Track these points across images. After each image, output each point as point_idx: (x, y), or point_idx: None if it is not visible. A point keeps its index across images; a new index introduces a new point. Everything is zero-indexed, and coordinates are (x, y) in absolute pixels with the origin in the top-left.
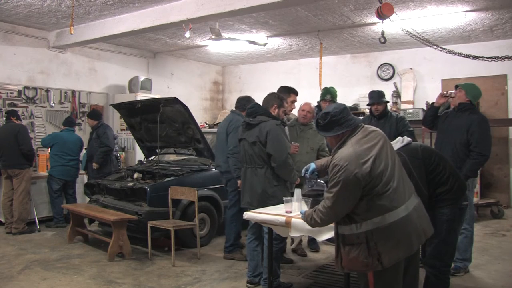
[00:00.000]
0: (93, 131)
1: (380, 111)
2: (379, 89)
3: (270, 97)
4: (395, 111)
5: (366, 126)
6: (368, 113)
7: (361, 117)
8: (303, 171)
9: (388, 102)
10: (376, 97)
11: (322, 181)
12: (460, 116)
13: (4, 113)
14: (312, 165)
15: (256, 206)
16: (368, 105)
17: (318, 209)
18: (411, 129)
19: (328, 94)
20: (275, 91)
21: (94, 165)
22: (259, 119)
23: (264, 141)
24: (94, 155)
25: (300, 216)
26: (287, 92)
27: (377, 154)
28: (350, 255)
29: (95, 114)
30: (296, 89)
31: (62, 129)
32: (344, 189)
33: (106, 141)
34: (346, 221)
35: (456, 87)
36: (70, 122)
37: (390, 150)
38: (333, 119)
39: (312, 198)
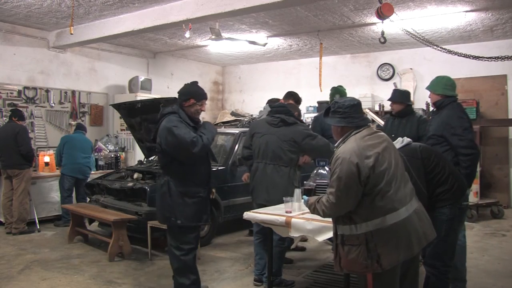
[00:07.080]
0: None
1: (397, 111)
2: (402, 89)
3: (292, 107)
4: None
5: (371, 126)
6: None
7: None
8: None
9: (410, 104)
10: (397, 96)
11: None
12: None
13: (3, 113)
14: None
15: (273, 204)
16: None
17: (322, 201)
18: None
19: (337, 93)
20: (275, 91)
21: None
22: (293, 120)
23: (300, 144)
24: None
25: (303, 202)
26: (287, 98)
27: (381, 152)
28: (349, 256)
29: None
30: (296, 90)
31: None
32: (345, 181)
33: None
34: (346, 221)
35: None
36: (81, 127)
37: (394, 152)
38: (338, 110)
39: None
